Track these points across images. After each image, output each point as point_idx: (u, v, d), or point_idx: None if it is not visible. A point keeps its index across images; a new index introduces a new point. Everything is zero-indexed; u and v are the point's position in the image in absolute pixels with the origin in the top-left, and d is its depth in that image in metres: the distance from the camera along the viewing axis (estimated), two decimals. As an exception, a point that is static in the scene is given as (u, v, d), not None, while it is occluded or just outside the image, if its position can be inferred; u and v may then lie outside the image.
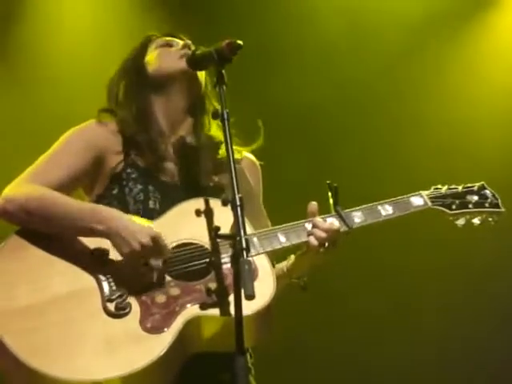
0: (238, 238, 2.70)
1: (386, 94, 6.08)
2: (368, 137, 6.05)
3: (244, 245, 2.68)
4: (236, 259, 2.70)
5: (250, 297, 2.62)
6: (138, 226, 3.00)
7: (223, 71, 3.01)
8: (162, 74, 3.33)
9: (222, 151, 3.31)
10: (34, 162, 3.27)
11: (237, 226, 2.73)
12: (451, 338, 5.97)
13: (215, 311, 2.89)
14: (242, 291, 2.63)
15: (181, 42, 3.39)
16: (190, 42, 3.38)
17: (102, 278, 2.99)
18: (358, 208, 3.29)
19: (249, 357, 3.20)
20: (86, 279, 2.99)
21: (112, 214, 3.05)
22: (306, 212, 3.25)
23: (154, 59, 3.37)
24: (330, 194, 3.26)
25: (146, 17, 5.77)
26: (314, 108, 6.00)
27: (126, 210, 3.16)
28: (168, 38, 3.43)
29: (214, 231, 2.86)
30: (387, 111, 6.08)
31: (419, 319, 5.99)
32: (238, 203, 2.75)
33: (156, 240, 2.98)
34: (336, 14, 6.11)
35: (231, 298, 2.77)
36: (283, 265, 3.31)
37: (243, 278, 2.64)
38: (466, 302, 5.95)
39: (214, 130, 3.37)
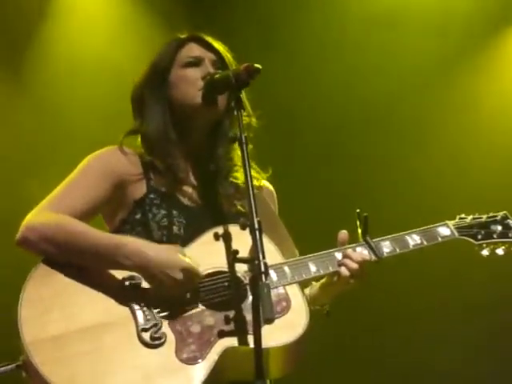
0: (256, 262, 2.70)
1: (412, 117, 6.13)
2: (394, 159, 6.10)
3: (263, 268, 2.68)
4: (255, 283, 2.70)
5: (269, 320, 2.63)
6: (168, 259, 2.98)
7: (241, 95, 3.01)
8: (178, 105, 3.28)
9: (241, 175, 3.30)
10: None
11: (255, 249, 2.73)
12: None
13: (249, 341, 2.89)
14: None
15: (207, 61, 3.30)
16: (216, 58, 3.31)
17: (136, 306, 2.97)
18: (385, 237, 3.31)
19: (268, 382, 3.20)
20: (119, 307, 2.96)
21: (140, 247, 3.01)
22: (337, 240, 3.26)
23: (175, 84, 3.30)
24: (358, 222, 3.28)
25: (163, 29, 5.81)
26: (339, 132, 6.05)
27: (150, 236, 3.15)
28: (196, 54, 3.32)
29: (232, 255, 2.86)
30: (414, 135, 6.14)
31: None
32: (257, 227, 2.75)
33: (187, 270, 2.97)
34: (362, 27, 6.18)
35: (265, 327, 2.74)
36: (307, 292, 3.30)
37: (262, 301, 2.64)
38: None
39: (235, 154, 3.34)
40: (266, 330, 2.73)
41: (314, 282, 3.32)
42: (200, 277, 3.00)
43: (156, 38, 5.50)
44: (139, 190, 3.24)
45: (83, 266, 3.02)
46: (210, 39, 3.35)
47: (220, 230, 2.97)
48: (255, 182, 3.31)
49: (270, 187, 3.50)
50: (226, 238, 2.91)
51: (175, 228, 3.19)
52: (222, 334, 2.93)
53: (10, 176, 5.87)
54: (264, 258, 2.70)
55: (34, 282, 2.99)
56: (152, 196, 3.23)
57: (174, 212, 3.21)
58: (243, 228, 2.77)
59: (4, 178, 5.87)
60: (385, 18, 6.14)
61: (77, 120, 5.97)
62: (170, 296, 2.97)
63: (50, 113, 6.00)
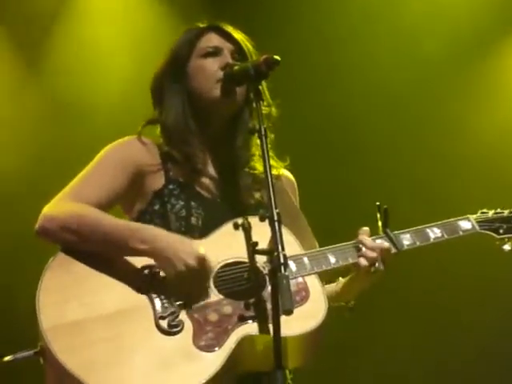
0: (275, 254, 2.70)
1: (431, 109, 6.11)
2: (415, 153, 6.08)
3: (282, 260, 2.68)
4: (274, 274, 2.70)
5: (288, 312, 2.62)
6: (183, 246, 2.98)
7: (260, 87, 3.01)
8: (197, 96, 3.28)
9: (259, 166, 3.30)
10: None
11: (275, 241, 2.73)
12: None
13: (267, 330, 2.88)
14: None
15: (227, 52, 3.29)
16: (235, 48, 3.29)
17: (154, 294, 2.97)
18: (406, 230, 3.29)
19: (288, 373, 3.18)
20: (136, 295, 2.97)
21: (156, 233, 3.03)
22: (357, 235, 3.24)
23: (193, 74, 3.29)
24: (378, 215, 3.26)
25: (177, 18, 5.87)
26: (358, 123, 6.06)
27: (168, 227, 3.15)
28: (215, 44, 3.31)
29: (251, 247, 2.85)
30: (434, 128, 6.11)
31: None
32: (276, 218, 2.75)
33: (201, 260, 2.97)
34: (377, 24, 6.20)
35: (283, 317, 2.73)
36: (333, 288, 3.30)
37: (281, 292, 2.64)
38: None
39: (253, 144, 3.32)
40: (284, 319, 2.72)
41: (340, 278, 3.31)
42: (212, 270, 3.00)
43: (172, 29, 5.54)
44: (158, 180, 3.24)
45: (101, 253, 3.02)
46: (229, 28, 3.34)
47: (239, 221, 2.96)
48: (274, 171, 3.29)
49: (290, 176, 3.48)
50: (246, 229, 2.91)
51: (193, 219, 3.19)
52: (241, 323, 2.93)
53: (25, 170, 5.94)
54: (283, 249, 2.70)
55: (52, 270, 3.00)
56: (171, 187, 3.23)
57: (193, 203, 3.21)
58: (262, 220, 2.77)
59: (18, 172, 5.94)
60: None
61: (94, 111, 6.03)
62: (184, 283, 2.96)
63: (68, 106, 6.07)
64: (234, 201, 3.27)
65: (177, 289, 2.97)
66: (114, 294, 2.96)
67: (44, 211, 3.10)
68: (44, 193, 3.22)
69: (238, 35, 3.33)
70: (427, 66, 6.11)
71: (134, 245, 2.99)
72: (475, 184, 5.83)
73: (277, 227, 2.74)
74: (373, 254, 3.15)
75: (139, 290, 2.98)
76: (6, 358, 2.96)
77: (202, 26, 3.37)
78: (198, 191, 3.26)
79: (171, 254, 2.96)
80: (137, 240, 2.99)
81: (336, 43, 6.17)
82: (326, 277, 3.23)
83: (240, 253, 3.00)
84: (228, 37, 3.32)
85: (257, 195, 3.31)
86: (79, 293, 2.97)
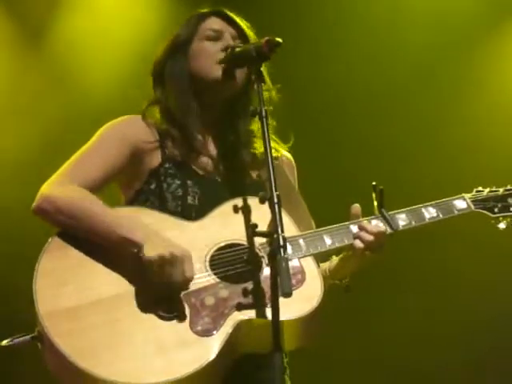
0: (275, 236, 2.70)
1: (425, 93, 6.12)
2: (411, 133, 6.08)
3: (281, 242, 2.68)
4: (273, 257, 2.70)
5: (287, 294, 2.62)
6: (159, 240, 2.96)
7: (262, 69, 3.00)
8: (198, 77, 3.29)
9: (259, 146, 3.31)
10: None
11: (274, 223, 2.73)
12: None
13: (264, 314, 2.88)
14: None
15: (228, 35, 3.31)
16: (237, 33, 3.31)
17: (149, 280, 2.94)
18: (401, 210, 3.28)
19: (284, 356, 3.21)
20: (133, 280, 2.96)
21: (139, 224, 3.00)
22: (350, 214, 3.24)
23: (194, 55, 3.31)
24: (374, 195, 3.26)
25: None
26: (357, 107, 6.07)
27: (165, 206, 3.16)
28: (217, 28, 3.33)
29: (251, 229, 2.86)
30: (426, 110, 6.11)
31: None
32: (276, 201, 2.75)
33: (185, 255, 2.94)
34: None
35: (280, 299, 2.73)
36: (326, 266, 3.30)
37: (280, 275, 2.64)
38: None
39: (252, 125, 3.34)
40: (280, 302, 2.73)
41: (334, 256, 3.31)
42: (192, 269, 2.95)
43: (172, 13, 5.52)
44: (155, 159, 3.25)
45: (94, 240, 3.01)
46: (231, 14, 3.36)
47: (239, 202, 2.99)
48: (274, 153, 3.29)
49: (290, 157, 3.50)
50: (245, 210, 2.91)
51: (190, 198, 3.19)
52: (237, 307, 2.93)
53: (30, 154, 5.93)
54: (283, 231, 2.70)
55: (48, 254, 3.00)
56: (167, 166, 3.23)
57: (189, 182, 3.21)
58: (262, 202, 2.77)
59: (24, 156, 5.93)
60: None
61: (95, 88, 6.03)
62: (167, 272, 2.93)
63: (69, 83, 6.09)
64: (232, 179, 3.28)
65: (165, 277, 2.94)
66: (110, 278, 2.96)
67: (42, 190, 3.10)
68: (44, 171, 3.22)
69: (241, 21, 3.35)
70: (426, 50, 6.10)
71: (126, 234, 2.96)
72: (471, 167, 5.82)
73: (277, 210, 2.74)
74: (370, 238, 3.15)
75: (136, 274, 2.97)
76: (4, 343, 2.97)
77: (205, 10, 3.39)
78: (194, 170, 3.26)
79: (158, 239, 2.95)
80: (130, 229, 2.97)
81: (336, 26, 6.18)
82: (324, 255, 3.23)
83: (236, 235, 3.03)
84: (230, 21, 3.34)
85: (254, 174, 3.32)
86: (76, 278, 2.97)
